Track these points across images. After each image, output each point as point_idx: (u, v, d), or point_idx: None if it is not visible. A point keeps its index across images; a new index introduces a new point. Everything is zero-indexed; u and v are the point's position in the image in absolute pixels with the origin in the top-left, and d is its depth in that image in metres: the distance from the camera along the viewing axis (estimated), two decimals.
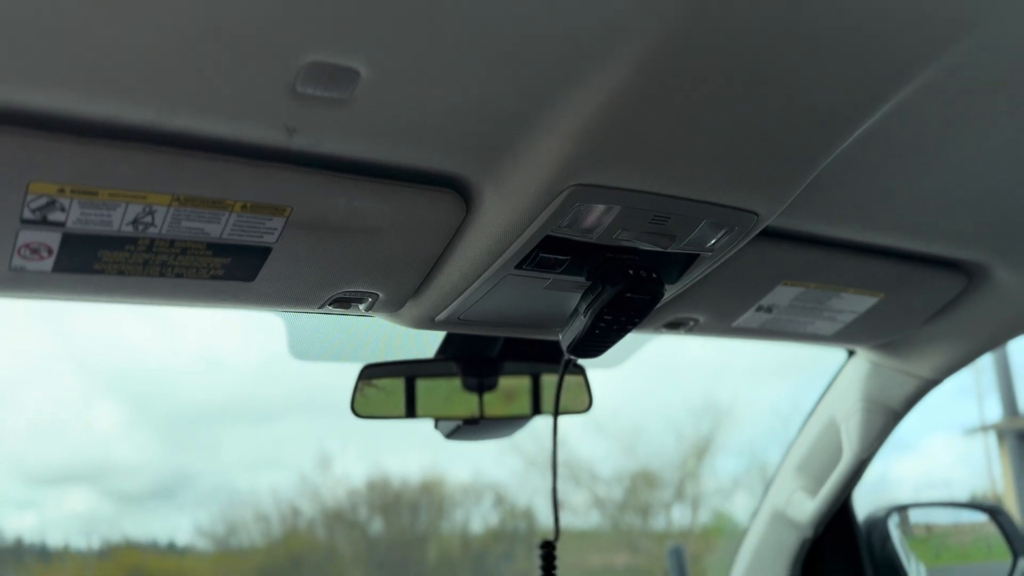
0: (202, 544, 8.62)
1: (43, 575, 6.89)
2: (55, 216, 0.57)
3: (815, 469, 1.74)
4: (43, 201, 0.56)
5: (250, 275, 0.69)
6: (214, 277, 0.68)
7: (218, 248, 0.65)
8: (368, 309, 0.80)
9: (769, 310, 1.06)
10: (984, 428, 12.42)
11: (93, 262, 0.63)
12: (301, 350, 1.01)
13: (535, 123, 0.58)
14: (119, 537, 7.90)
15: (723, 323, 1.07)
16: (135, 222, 0.60)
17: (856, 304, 1.11)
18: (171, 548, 8.46)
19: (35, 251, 0.60)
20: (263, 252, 0.66)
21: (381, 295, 0.78)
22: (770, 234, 0.89)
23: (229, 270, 0.68)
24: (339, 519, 9.18)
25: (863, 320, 1.16)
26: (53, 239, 0.59)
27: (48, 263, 0.62)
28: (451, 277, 0.76)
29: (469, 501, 10.24)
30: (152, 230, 0.61)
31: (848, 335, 1.22)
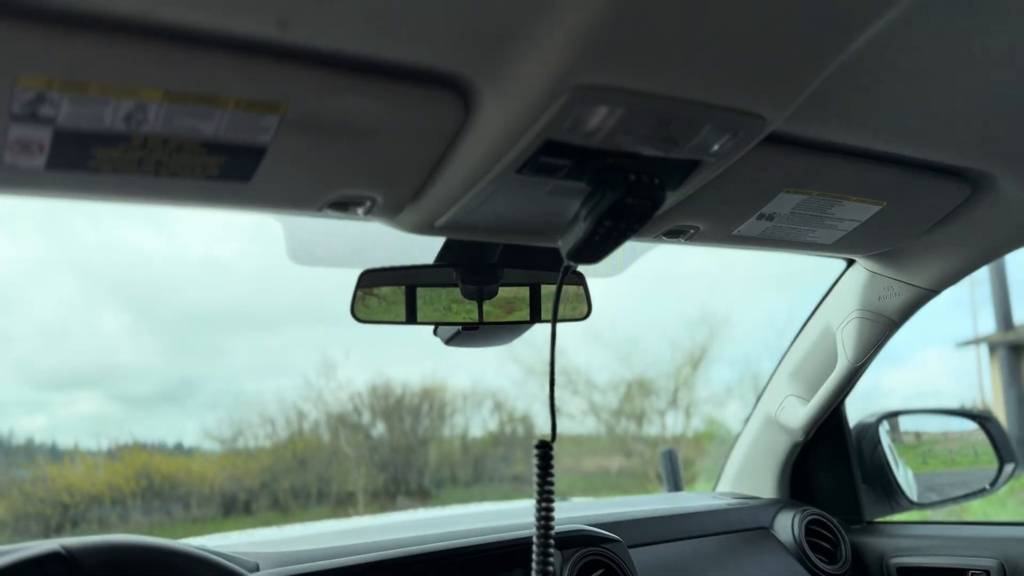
0: (209, 445, 8.86)
1: (54, 473, 7.10)
2: (45, 111, 0.56)
3: (808, 376, 1.77)
4: (32, 95, 0.54)
5: (246, 175, 0.68)
6: (210, 177, 0.67)
7: (213, 146, 0.64)
8: (367, 213, 0.80)
9: (770, 218, 1.05)
10: (977, 341, 12.59)
11: (87, 160, 0.62)
12: (300, 254, 1.01)
13: (536, 20, 0.56)
14: (127, 438, 8.11)
15: (724, 231, 1.07)
16: (128, 118, 0.59)
17: (858, 212, 1.10)
18: (179, 448, 8.70)
19: (26, 148, 0.59)
20: (258, 151, 0.65)
21: (379, 199, 0.77)
22: (774, 140, 0.87)
23: (225, 169, 0.67)
24: (343, 423, 9.40)
25: (864, 229, 1.15)
26: (44, 135, 0.58)
27: (41, 161, 0.61)
28: (451, 181, 0.75)
29: (469, 407, 10.47)
30: (145, 127, 0.60)
31: (848, 244, 1.22)
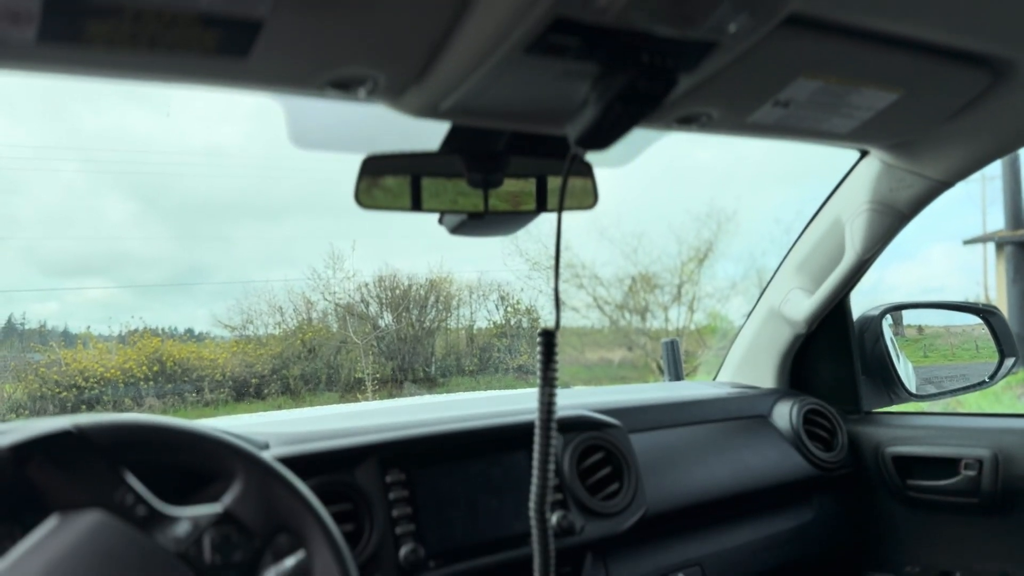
0: (219, 332, 9.00)
1: (68, 358, 7.25)
2: None
3: (815, 268, 1.77)
4: None
5: (243, 49, 0.66)
6: (206, 52, 0.65)
7: (208, 20, 0.61)
8: (369, 94, 0.78)
9: (786, 105, 1.02)
10: (985, 238, 12.51)
11: (79, 33, 0.60)
12: (301, 137, 0.98)
13: None
14: (138, 324, 8.24)
15: (738, 118, 1.04)
16: None
17: (875, 100, 1.07)
18: (190, 335, 8.85)
19: (15, 17, 0.57)
20: (255, 24, 0.63)
21: (382, 78, 0.74)
22: (793, 22, 0.84)
23: (221, 44, 0.64)
24: (350, 312, 9.51)
25: (881, 118, 1.12)
26: (33, 3, 0.56)
27: (31, 31, 0.59)
28: (456, 61, 0.73)
29: (475, 299, 10.56)
30: None
31: (864, 133, 1.19)
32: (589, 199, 1.22)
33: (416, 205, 1.10)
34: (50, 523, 0.71)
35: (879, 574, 1.76)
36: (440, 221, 1.21)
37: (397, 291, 9.94)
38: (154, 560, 0.70)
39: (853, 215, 1.58)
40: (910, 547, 1.75)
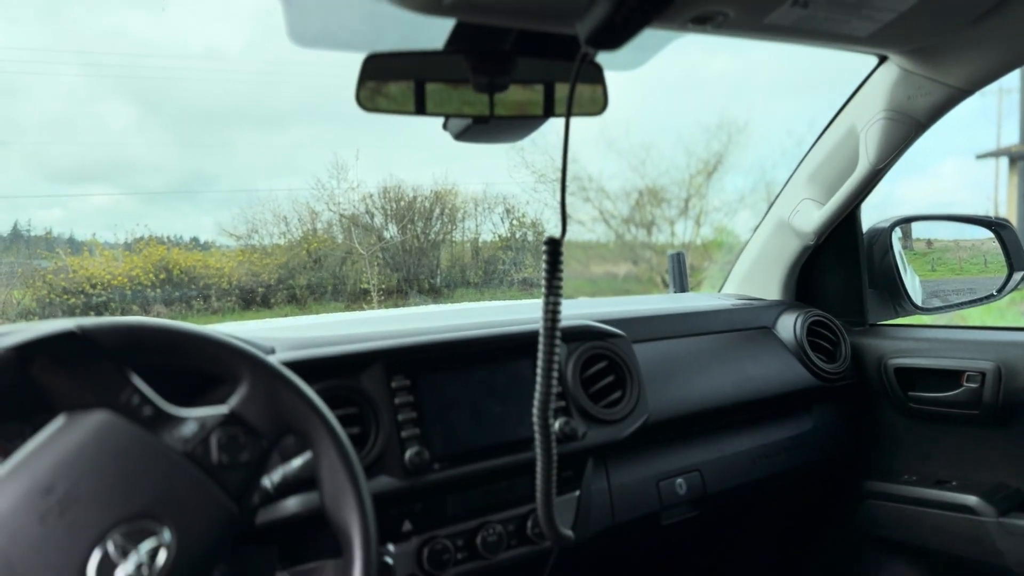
0: (224, 241, 9.00)
1: (75, 264, 7.27)
2: None
3: (826, 179, 1.74)
4: None
5: None
6: None
7: None
8: None
9: (805, 5, 0.98)
10: (998, 153, 12.31)
11: None
12: (300, 33, 0.95)
13: None
14: (144, 232, 8.23)
15: (755, 19, 1.00)
16: None
17: (897, 1, 1.02)
18: (195, 243, 8.85)
19: None
20: None
21: None
22: None
23: None
24: (355, 223, 9.48)
25: (902, 19, 1.08)
26: None
27: None
28: None
29: (480, 212, 10.50)
30: None
31: (884, 37, 1.14)
32: (598, 105, 1.19)
33: (420, 109, 1.07)
34: (57, 422, 0.72)
35: (876, 482, 1.79)
36: (444, 126, 1.18)
37: (402, 202, 9.88)
38: (162, 459, 0.71)
39: (868, 124, 1.54)
40: (908, 457, 1.78)
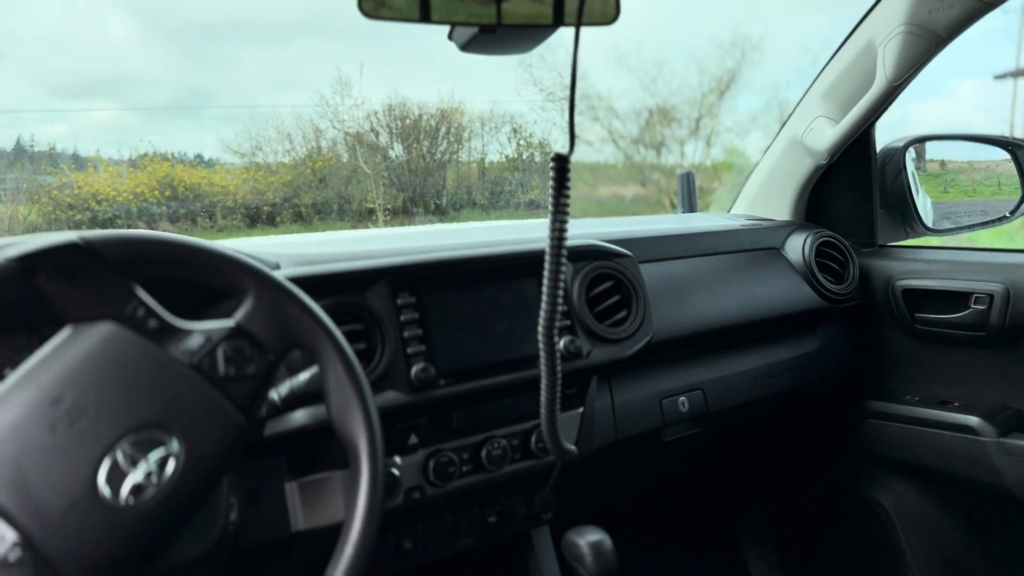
0: (229, 158, 8.92)
1: (80, 181, 7.24)
2: None
3: (842, 96, 1.70)
4: None
5: None
6: None
7: None
8: None
9: None
10: (1017, 73, 12.00)
11: None
12: None
13: None
14: (148, 148, 8.15)
15: None
16: None
17: None
18: (199, 160, 8.78)
19: None
20: None
21: None
22: None
23: None
24: (360, 142, 9.37)
25: None
26: None
27: None
28: None
29: (486, 131, 10.35)
30: None
31: None
32: (609, 14, 1.15)
33: (425, 16, 1.03)
34: (64, 333, 0.72)
35: (878, 402, 1.81)
36: (450, 36, 1.14)
37: (407, 120, 9.74)
38: (168, 370, 0.71)
39: (887, 38, 1.49)
40: (911, 378, 1.79)
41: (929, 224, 1.91)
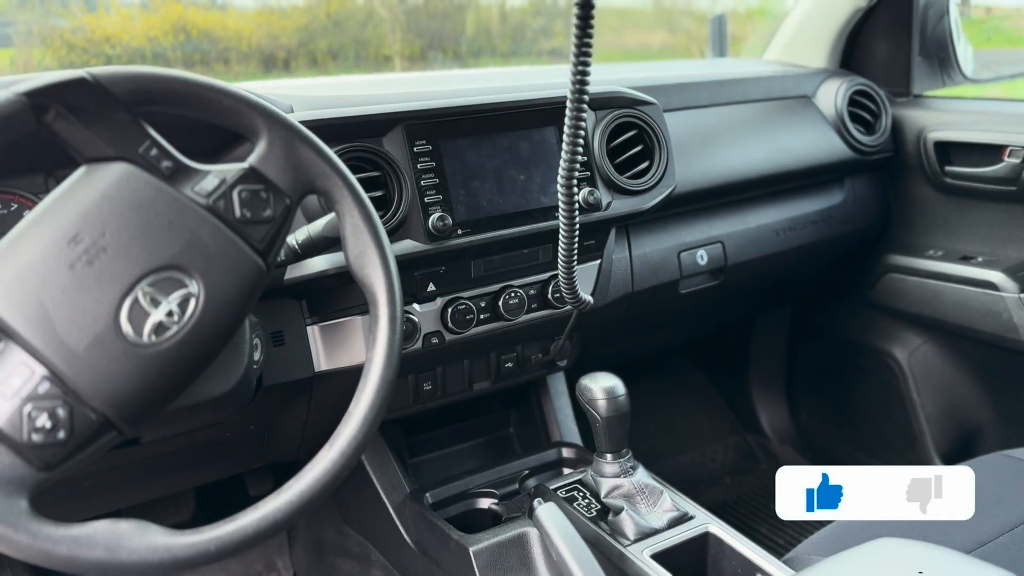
0: (242, 2, 8.62)
1: (92, 24, 7.05)
2: None
3: None
4: None
5: None
6: None
7: None
8: None
9: None
10: None
11: None
12: None
13: None
14: None
15: None
16: None
17: None
18: (211, 2, 8.50)
19: None
20: None
21: None
22: None
23: None
24: None
25: None
26: None
27: None
28: None
29: None
30: None
31: None
32: None
33: None
34: (78, 173, 0.71)
35: (900, 256, 1.80)
36: None
37: None
38: (185, 211, 0.71)
39: None
40: (936, 232, 1.77)
41: (968, 73, 1.83)
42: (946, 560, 0.81)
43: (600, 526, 1.08)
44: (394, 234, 1.09)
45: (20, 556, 0.63)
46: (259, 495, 0.78)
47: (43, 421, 0.64)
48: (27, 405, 0.64)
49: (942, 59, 1.80)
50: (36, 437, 0.64)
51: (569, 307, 1.13)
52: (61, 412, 0.65)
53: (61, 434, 0.65)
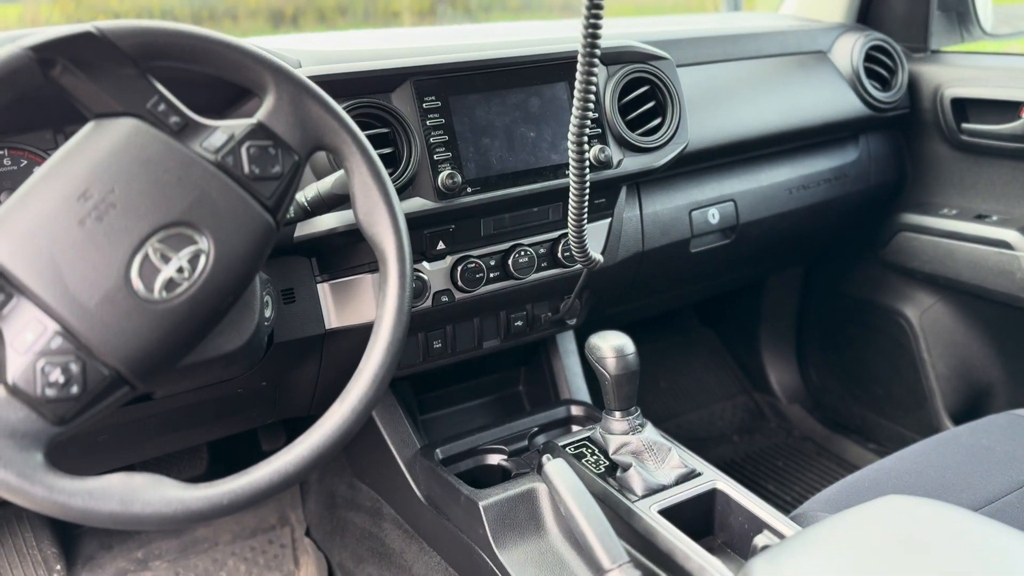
0: None
1: None
2: None
3: None
4: None
5: None
6: None
7: None
8: None
9: None
10: None
11: None
12: None
13: None
14: None
15: None
16: None
17: None
18: None
19: None
20: None
21: None
22: None
23: None
24: None
25: None
26: None
27: None
28: None
29: None
30: None
31: None
32: None
33: None
34: (87, 128, 0.71)
35: (913, 215, 1.78)
36: None
37: None
38: (194, 167, 0.71)
39: None
40: (950, 191, 1.75)
41: (987, 28, 1.79)
42: (954, 517, 0.81)
43: (608, 482, 1.09)
44: (403, 192, 1.08)
45: (36, 508, 0.64)
46: (271, 450, 0.79)
47: (56, 376, 0.65)
48: (40, 360, 0.65)
49: (961, 13, 1.76)
50: (50, 392, 0.65)
51: (579, 266, 1.13)
52: (74, 367, 0.65)
53: (74, 389, 0.65)
